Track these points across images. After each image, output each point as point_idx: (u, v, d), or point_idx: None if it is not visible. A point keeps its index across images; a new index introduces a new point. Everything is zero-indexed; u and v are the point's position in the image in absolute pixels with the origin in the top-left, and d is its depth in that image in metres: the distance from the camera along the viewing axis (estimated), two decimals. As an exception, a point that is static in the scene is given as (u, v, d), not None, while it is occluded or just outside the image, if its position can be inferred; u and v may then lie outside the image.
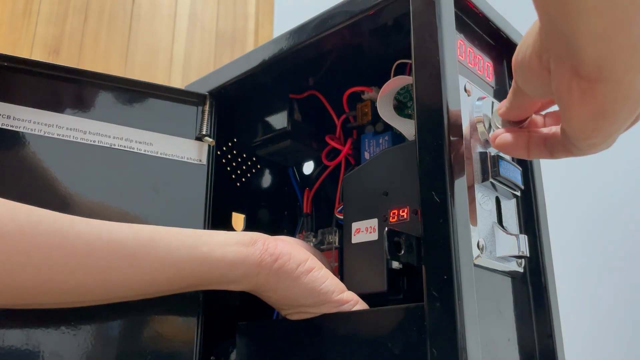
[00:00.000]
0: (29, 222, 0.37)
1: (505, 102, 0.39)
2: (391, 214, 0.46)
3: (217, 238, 0.44)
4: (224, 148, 0.64)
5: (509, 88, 0.51)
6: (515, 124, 0.39)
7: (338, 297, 0.44)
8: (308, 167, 0.69)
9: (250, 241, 0.44)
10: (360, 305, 0.45)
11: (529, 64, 0.32)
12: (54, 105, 0.49)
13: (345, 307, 0.44)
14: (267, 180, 0.69)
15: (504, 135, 0.39)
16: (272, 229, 0.67)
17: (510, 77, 0.51)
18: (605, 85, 0.28)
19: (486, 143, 0.44)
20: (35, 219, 0.38)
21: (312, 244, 0.59)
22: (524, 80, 0.35)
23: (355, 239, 0.48)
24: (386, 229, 0.42)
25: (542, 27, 0.30)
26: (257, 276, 0.44)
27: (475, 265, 0.39)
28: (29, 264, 0.37)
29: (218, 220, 0.56)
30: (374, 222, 0.47)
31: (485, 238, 0.41)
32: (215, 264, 0.42)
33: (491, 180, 0.43)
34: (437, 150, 0.39)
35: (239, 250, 0.43)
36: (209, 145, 0.56)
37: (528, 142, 0.38)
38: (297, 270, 0.44)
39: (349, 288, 0.46)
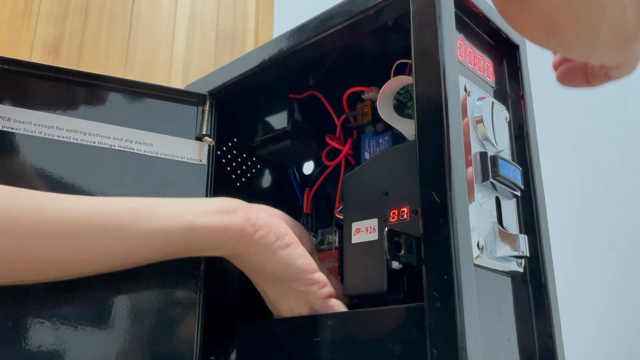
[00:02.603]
0: (10, 200, 0.38)
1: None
2: (391, 214, 0.46)
3: (200, 206, 0.45)
4: (224, 148, 0.64)
5: (509, 88, 0.51)
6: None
7: (310, 276, 0.46)
8: (308, 167, 0.69)
9: (233, 209, 0.45)
10: (329, 288, 0.46)
11: None
12: (54, 107, 0.49)
13: (314, 288, 0.46)
14: (267, 180, 0.69)
15: (560, 62, 0.36)
16: (272, 229, 0.67)
17: (510, 77, 0.51)
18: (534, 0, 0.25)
19: (486, 143, 0.44)
20: (16, 197, 0.39)
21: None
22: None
23: (355, 239, 0.48)
24: (386, 229, 0.42)
25: None
26: (238, 244, 0.45)
27: (475, 265, 0.39)
28: (12, 242, 0.37)
29: (218, 220, 0.56)
30: (374, 222, 0.47)
31: (485, 238, 0.41)
32: (199, 232, 0.43)
33: (491, 180, 0.43)
34: (437, 150, 0.39)
35: (222, 218, 0.44)
36: (209, 145, 0.56)
37: (586, 68, 0.35)
38: (275, 243, 0.45)
39: (349, 288, 0.47)
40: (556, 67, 0.37)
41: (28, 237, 0.38)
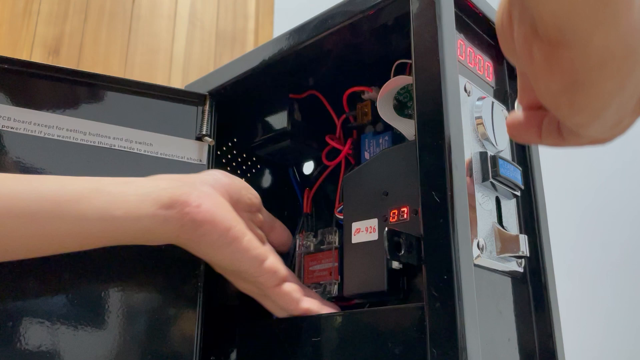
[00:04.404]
0: None
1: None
2: (391, 214, 0.46)
3: (131, 200, 0.41)
4: (224, 148, 0.64)
5: (509, 88, 0.51)
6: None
7: (258, 268, 0.45)
8: (308, 167, 0.69)
9: (169, 203, 0.41)
10: (281, 274, 0.46)
11: (501, 25, 0.27)
12: (55, 106, 0.49)
13: (264, 278, 0.45)
14: (267, 180, 0.69)
15: (514, 115, 0.32)
16: (272, 229, 0.67)
17: (510, 77, 0.51)
18: (569, 50, 0.22)
19: (486, 143, 0.44)
20: None
21: (312, 245, 0.58)
22: (502, 47, 0.29)
23: (355, 239, 0.48)
24: (386, 229, 0.42)
25: None
26: (177, 238, 0.43)
27: (475, 265, 0.39)
28: None
29: (218, 220, 0.56)
30: (374, 222, 0.47)
31: (485, 238, 0.41)
32: (130, 227, 0.41)
33: (491, 180, 0.43)
34: (437, 150, 0.39)
35: (156, 214, 0.41)
36: (209, 145, 0.56)
37: (541, 122, 0.30)
38: (218, 241, 0.43)
39: (349, 288, 0.46)
40: (519, 100, 0.33)
41: None
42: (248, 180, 0.66)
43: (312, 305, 0.46)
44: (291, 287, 0.47)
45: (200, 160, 0.55)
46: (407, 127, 0.51)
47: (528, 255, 0.43)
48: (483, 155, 0.43)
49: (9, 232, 0.38)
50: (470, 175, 0.41)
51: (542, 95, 0.25)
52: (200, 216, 0.42)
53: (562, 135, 0.29)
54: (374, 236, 0.47)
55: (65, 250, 0.42)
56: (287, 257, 0.59)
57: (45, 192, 0.39)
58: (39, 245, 0.41)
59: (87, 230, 0.41)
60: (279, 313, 0.48)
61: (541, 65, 0.24)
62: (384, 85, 0.52)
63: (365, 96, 0.58)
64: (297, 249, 0.57)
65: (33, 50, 1.07)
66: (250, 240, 0.45)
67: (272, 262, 0.46)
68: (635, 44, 0.21)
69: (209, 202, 0.43)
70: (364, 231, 0.47)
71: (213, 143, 0.56)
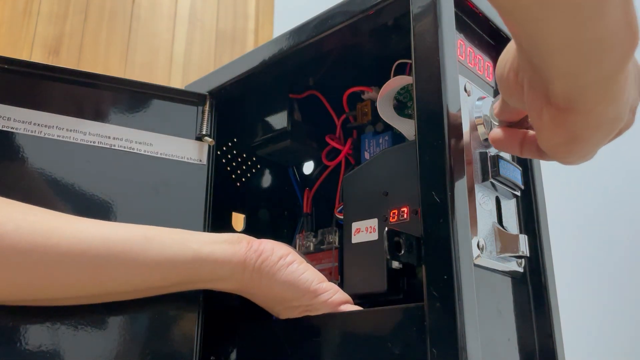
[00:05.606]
0: (27, 221, 0.39)
1: (497, 103, 0.40)
2: (391, 214, 0.46)
3: (205, 237, 0.46)
4: (224, 148, 0.64)
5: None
6: (511, 123, 0.40)
7: (316, 286, 0.46)
8: (308, 167, 0.69)
9: (237, 240, 0.46)
10: (340, 294, 0.46)
11: (507, 80, 0.33)
12: (54, 106, 0.49)
13: (324, 296, 0.45)
14: (267, 180, 0.69)
15: (495, 131, 0.39)
16: (272, 229, 0.67)
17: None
18: (575, 115, 0.28)
19: (486, 143, 0.44)
20: (32, 218, 0.39)
21: (312, 245, 0.59)
22: (503, 94, 0.35)
23: (355, 239, 0.48)
24: (386, 229, 0.42)
25: (518, 50, 0.31)
26: (243, 274, 0.45)
27: (475, 265, 0.39)
28: (26, 262, 0.38)
29: (218, 220, 0.56)
30: (374, 222, 0.47)
31: (485, 238, 0.41)
32: (204, 261, 0.44)
33: (491, 180, 0.43)
34: (437, 150, 0.39)
35: (226, 248, 0.45)
36: (209, 145, 0.56)
37: (523, 140, 0.38)
38: (278, 263, 0.46)
39: (349, 288, 0.46)
40: (498, 115, 0.40)
41: (41, 257, 0.38)
42: (248, 180, 0.67)
43: None
44: (353, 307, 0.46)
45: (200, 160, 0.55)
46: (407, 127, 0.51)
47: (528, 255, 0.43)
48: (483, 155, 0.43)
49: (75, 272, 0.40)
50: (470, 175, 0.41)
51: (543, 143, 0.31)
52: (262, 246, 0.47)
53: (540, 152, 0.36)
54: (374, 236, 0.47)
55: (123, 293, 0.44)
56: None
57: (119, 234, 0.42)
58: (102, 287, 0.42)
59: (155, 270, 0.43)
60: None
61: (548, 123, 0.29)
62: (384, 85, 0.52)
63: (365, 96, 0.58)
64: (297, 249, 0.57)
65: (33, 50, 1.07)
66: (307, 265, 0.48)
67: (330, 283, 0.47)
68: (622, 111, 0.28)
69: (267, 241, 0.48)
70: (364, 231, 0.47)
71: (213, 143, 0.56)
